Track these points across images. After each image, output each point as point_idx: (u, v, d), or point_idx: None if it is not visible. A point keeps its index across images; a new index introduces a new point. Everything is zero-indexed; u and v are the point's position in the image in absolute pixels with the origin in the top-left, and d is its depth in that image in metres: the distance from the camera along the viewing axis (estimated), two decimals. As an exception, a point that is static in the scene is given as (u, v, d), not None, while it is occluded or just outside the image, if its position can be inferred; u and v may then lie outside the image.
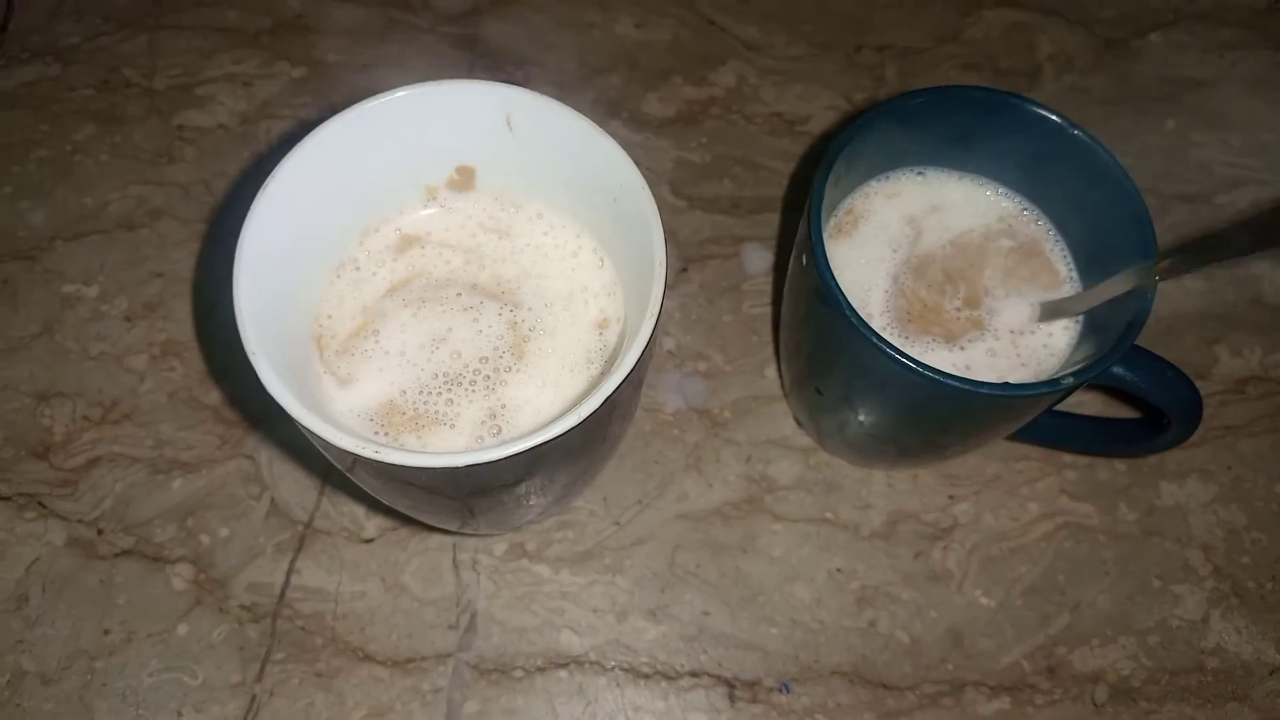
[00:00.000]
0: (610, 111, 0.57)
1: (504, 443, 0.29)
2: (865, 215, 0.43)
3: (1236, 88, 0.60)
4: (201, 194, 0.54)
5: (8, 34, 0.58)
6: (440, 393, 0.36)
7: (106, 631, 0.44)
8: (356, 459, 0.30)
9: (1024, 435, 0.44)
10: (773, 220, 0.54)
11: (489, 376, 0.37)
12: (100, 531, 0.46)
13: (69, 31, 0.59)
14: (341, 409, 0.36)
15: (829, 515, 0.47)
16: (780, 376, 0.50)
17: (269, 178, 0.33)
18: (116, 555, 0.46)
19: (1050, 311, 0.40)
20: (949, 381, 0.34)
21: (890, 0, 0.62)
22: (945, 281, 0.41)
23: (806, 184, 0.55)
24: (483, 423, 0.36)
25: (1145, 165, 0.38)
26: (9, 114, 0.56)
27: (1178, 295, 0.53)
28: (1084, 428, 0.45)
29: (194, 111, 0.57)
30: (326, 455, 0.33)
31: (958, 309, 0.41)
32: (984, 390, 0.34)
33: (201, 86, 0.57)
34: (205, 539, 0.46)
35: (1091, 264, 0.41)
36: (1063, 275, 0.41)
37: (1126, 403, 0.49)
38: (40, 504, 0.46)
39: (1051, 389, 0.34)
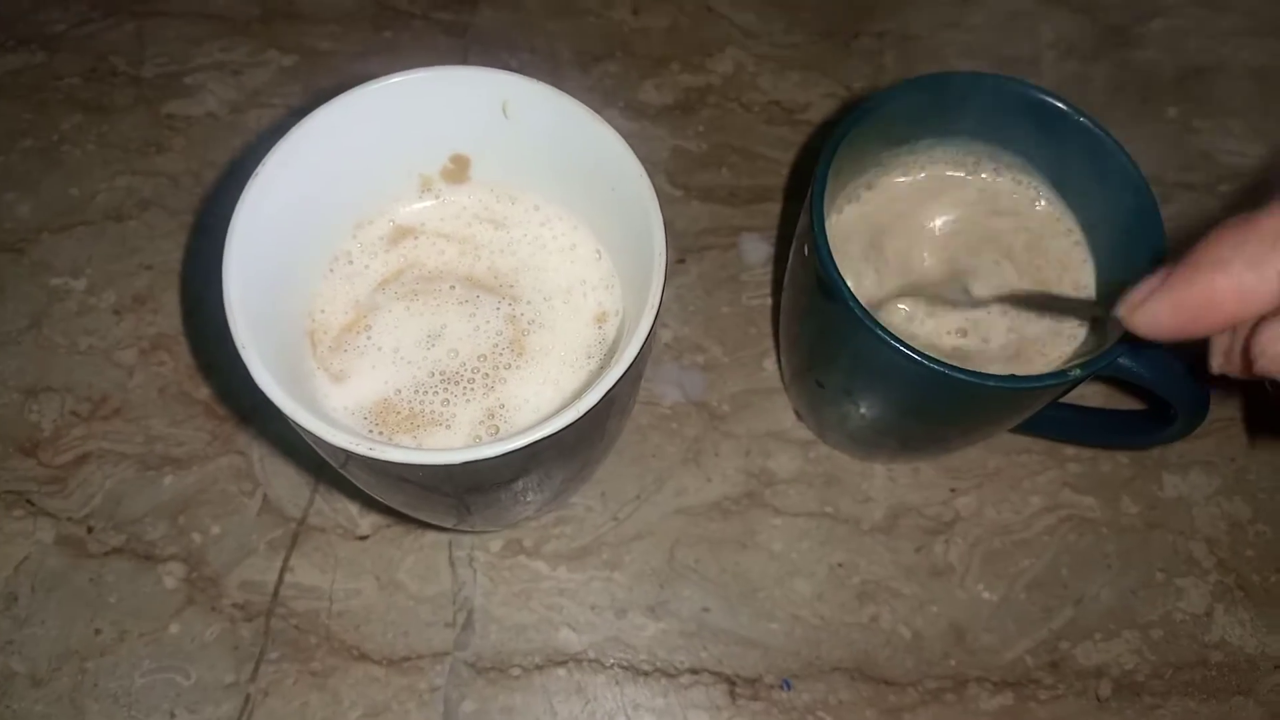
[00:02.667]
0: (606, 100, 0.56)
1: (501, 439, 0.28)
2: (867, 204, 0.42)
3: (1238, 75, 0.59)
4: (191, 184, 0.53)
5: (-9, 22, 0.57)
6: (436, 392, 0.36)
7: (97, 631, 0.43)
8: (350, 456, 0.29)
9: (1027, 428, 0.44)
10: (771, 210, 0.54)
11: (487, 375, 0.36)
12: (90, 529, 0.45)
13: (55, 19, 0.58)
14: (335, 406, 0.35)
15: (829, 509, 0.47)
16: (780, 369, 0.49)
17: (259, 166, 0.32)
18: (107, 553, 0.45)
19: (1053, 305, 0.39)
20: (955, 374, 0.33)
21: (889, -14, 0.61)
22: (949, 270, 0.41)
23: (805, 173, 0.54)
24: (480, 423, 0.35)
25: (1147, 153, 0.38)
26: (-6, 103, 0.55)
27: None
28: (1088, 420, 0.44)
29: (183, 100, 0.56)
30: (320, 452, 0.32)
31: (960, 296, 0.40)
32: (991, 382, 0.33)
33: (190, 75, 0.56)
34: (197, 536, 0.45)
35: (1100, 249, 0.40)
36: (1071, 262, 0.41)
37: (1129, 394, 0.48)
38: (29, 501, 0.46)
39: (1059, 380, 0.34)
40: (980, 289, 0.40)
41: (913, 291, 0.40)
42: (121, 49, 0.57)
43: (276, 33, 0.58)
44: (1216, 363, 0.28)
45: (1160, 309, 0.25)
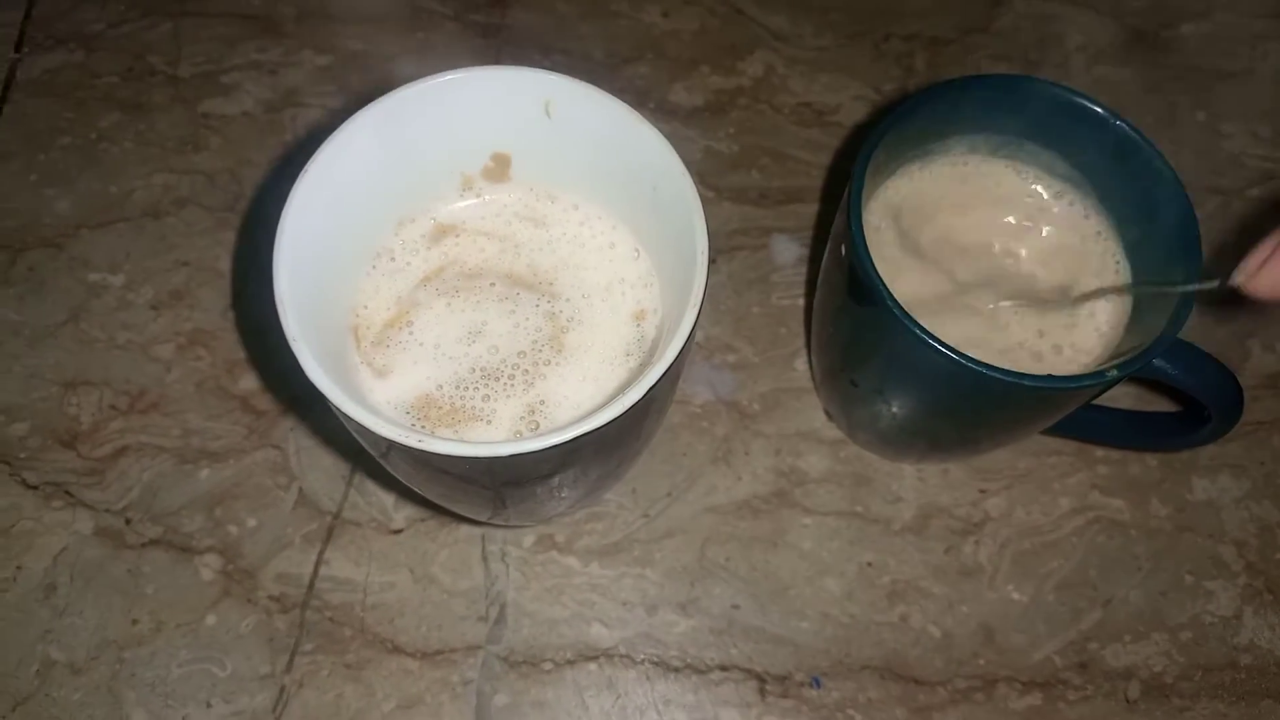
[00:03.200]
0: (637, 101, 0.56)
1: (544, 434, 0.29)
2: (902, 203, 0.42)
3: (1267, 79, 0.59)
4: (227, 182, 0.54)
5: (31, 20, 0.58)
6: (477, 388, 0.36)
7: (135, 621, 0.44)
8: (395, 446, 0.29)
9: (1058, 429, 0.44)
10: (801, 211, 0.54)
11: (527, 371, 0.36)
12: (128, 521, 0.46)
13: (93, 18, 0.58)
14: (379, 400, 0.36)
15: (859, 509, 0.47)
16: (810, 368, 0.50)
17: (309, 162, 0.33)
18: (144, 545, 0.45)
19: (1088, 296, 0.40)
20: (993, 374, 0.33)
21: (918, -10, 0.61)
22: (982, 270, 0.41)
23: (837, 174, 0.55)
24: (521, 418, 0.36)
25: (1176, 157, 0.38)
26: (34, 101, 0.56)
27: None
28: (1120, 421, 0.45)
29: (219, 99, 0.56)
30: (364, 443, 0.32)
31: (995, 297, 0.40)
32: (1028, 382, 0.33)
33: (226, 74, 0.57)
34: (233, 529, 0.46)
35: (1135, 253, 0.40)
36: (1107, 264, 0.41)
37: (1162, 395, 0.48)
38: (67, 493, 0.46)
39: (1096, 381, 0.34)
40: (1037, 289, 0.40)
41: (1007, 293, 0.40)
42: (158, 48, 0.58)
43: (311, 33, 0.58)
44: (1242, 277, 0.29)
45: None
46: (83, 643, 0.44)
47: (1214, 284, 0.32)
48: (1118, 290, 0.40)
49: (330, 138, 0.33)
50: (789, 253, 0.53)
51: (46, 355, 0.49)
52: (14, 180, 0.53)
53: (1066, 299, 0.40)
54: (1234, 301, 0.49)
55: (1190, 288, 0.35)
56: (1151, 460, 0.48)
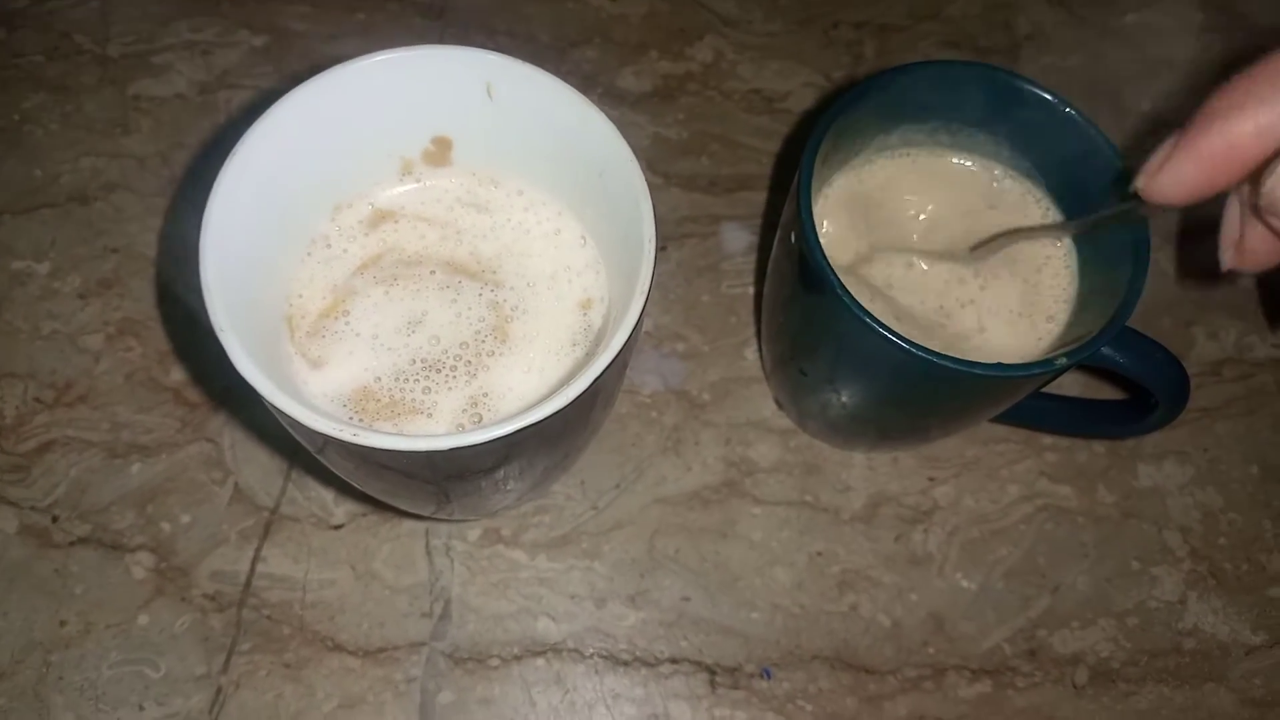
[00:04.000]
0: (585, 86, 0.55)
1: (485, 426, 0.28)
2: (851, 191, 0.42)
3: (1211, 70, 0.60)
4: (158, 166, 0.52)
5: (-51, -4, 0.56)
6: (418, 380, 0.35)
7: (63, 623, 0.42)
8: (330, 441, 0.28)
9: (1006, 417, 0.44)
10: (751, 199, 0.53)
11: (470, 362, 0.35)
12: (55, 519, 0.44)
13: (15, -6, 0.56)
14: (314, 392, 0.34)
15: (809, 498, 0.47)
16: (761, 357, 0.49)
17: (236, 146, 0.31)
18: (72, 543, 0.44)
19: (992, 247, 0.39)
20: (942, 362, 0.33)
21: (868, -24, 0.61)
22: (932, 257, 0.41)
23: (786, 161, 0.54)
24: (463, 411, 0.35)
25: (1123, 148, 0.38)
26: (-48, 80, 0.53)
27: (1154, 277, 0.52)
28: (1068, 409, 0.45)
29: (150, 80, 0.54)
30: (298, 437, 0.31)
31: (944, 283, 0.40)
32: (977, 371, 0.33)
33: (158, 54, 0.55)
34: (166, 526, 0.44)
35: (1084, 239, 0.40)
36: (1057, 250, 0.41)
37: (1108, 382, 0.49)
38: (-10, 490, 0.44)
39: (1044, 369, 0.34)
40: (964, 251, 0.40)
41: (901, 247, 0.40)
42: (86, 27, 0.55)
43: (247, 12, 0.56)
44: (1228, 257, 0.28)
45: (1182, 166, 0.25)
46: (7, 645, 0.42)
47: (1129, 205, 0.31)
48: (1030, 235, 0.40)
49: (258, 120, 0.31)
50: (739, 240, 0.52)
51: (-33, 346, 0.47)
52: (-69, 163, 0.51)
53: (968, 253, 0.40)
54: (1176, 287, 0.50)
55: (1105, 213, 0.35)
56: (1098, 447, 0.49)
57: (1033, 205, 0.42)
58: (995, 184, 0.42)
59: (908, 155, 0.42)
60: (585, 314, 0.36)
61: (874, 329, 0.33)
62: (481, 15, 0.57)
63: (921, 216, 0.42)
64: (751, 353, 0.50)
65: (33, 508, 0.44)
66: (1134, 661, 0.45)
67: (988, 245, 0.39)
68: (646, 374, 0.49)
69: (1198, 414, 0.50)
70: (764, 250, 0.52)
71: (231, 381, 0.28)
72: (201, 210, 0.30)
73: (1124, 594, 0.46)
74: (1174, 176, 0.26)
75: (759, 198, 0.53)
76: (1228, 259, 0.28)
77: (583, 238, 0.38)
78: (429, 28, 0.57)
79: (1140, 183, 0.27)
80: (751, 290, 0.51)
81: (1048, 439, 0.49)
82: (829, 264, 0.34)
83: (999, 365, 0.34)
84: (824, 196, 0.41)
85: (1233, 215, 0.27)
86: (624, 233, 0.33)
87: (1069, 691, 0.44)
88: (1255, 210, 0.26)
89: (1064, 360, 0.34)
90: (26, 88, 0.53)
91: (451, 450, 0.28)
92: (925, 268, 0.40)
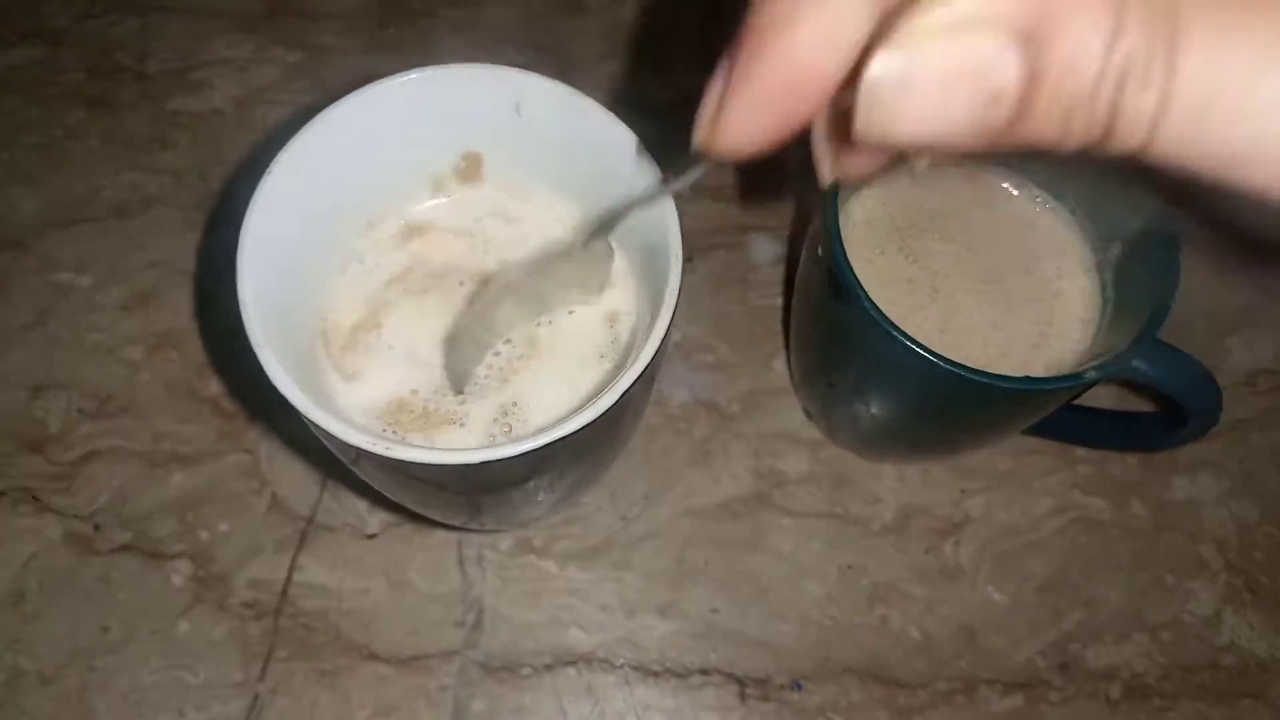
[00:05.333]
0: (613, 98, 0.56)
1: (517, 440, 0.28)
2: (880, 203, 0.42)
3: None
4: (196, 181, 0.53)
5: (-6, 16, 0.57)
6: (449, 390, 0.35)
7: (105, 629, 0.43)
8: (364, 454, 0.29)
9: (1038, 429, 0.43)
10: (779, 210, 0.53)
11: (501, 369, 0.36)
12: (97, 527, 0.45)
13: (57, 13, 0.57)
14: (348, 405, 0.35)
15: (839, 510, 0.47)
16: (789, 369, 0.49)
17: (272, 164, 0.32)
18: (114, 551, 0.45)
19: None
20: (971, 375, 0.33)
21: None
22: (958, 265, 0.41)
23: (815, 173, 0.54)
24: (494, 420, 0.35)
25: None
26: (-2, 98, 0.55)
27: (1189, 287, 0.52)
28: (1099, 422, 0.44)
29: (188, 97, 0.55)
30: (332, 449, 0.32)
31: (966, 291, 0.40)
32: (1006, 384, 0.33)
33: (195, 71, 0.56)
34: (205, 534, 0.45)
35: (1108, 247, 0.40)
36: (1079, 258, 0.40)
37: (1140, 395, 0.48)
38: (35, 498, 0.45)
39: (1074, 382, 0.34)
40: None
41: None
42: (126, 44, 0.57)
43: (282, 29, 0.58)
44: (825, 169, 0.23)
45: (743, 107, 0.19)
46: (52, 651, 0.43)
47: (698, 171, 0.25)
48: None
49: (293, 138, 0.32)
50: (767, 252, 0.52)
51: (13, 358, 0.48)
52: (-22, 179, 0.52)
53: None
54: (1212, 298, 0.49)
55: (678, 184, 0.29)
56: (1131, 460, 0.48)
57: (1052, 215, 0.41)
58: (1020, 193, 0.42)
59: (937, 165, 0.42)
60: (612, 326, 0.37)
61: (902, 341, 0.33)
62: (510, 30, 0.58)
63: (950, 218, 0.42)
64: (780, 364, 0.50)
65: (76, 516, 0.45)
66: (1169, 677, 0.44)
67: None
68: (675, 385, 0.49)
69: (1232, 425, 0.49)
70: (792, 261, 0.52)
71: (268, 393, 0.29)
72: (238, 226, 0.31)
73: (1158, 608, 0.45)
74: (738, 124, 0.20)
75: (787, 208, 0.53)
76: (699, 136, 0.21)
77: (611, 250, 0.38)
78: (459, 43, 0.57)
79: (699, 139, 0.21)
80: (780, 301, 0.51)
81: (1080, 451, 0.48)
82: (856, 276, 0.34)
83: (1027, 379, 0.33)
84: (850, 209, 0.41)
85: (715, 90, 0.20)
86: (651, 245, 0.33)
87: (1103, 706, 0.43)
88: (843, 136, 0.20)
89: (1093, 374, 0.33)
90: (68, 104, 0.55)
91: (482, 464, 0.28)
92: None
